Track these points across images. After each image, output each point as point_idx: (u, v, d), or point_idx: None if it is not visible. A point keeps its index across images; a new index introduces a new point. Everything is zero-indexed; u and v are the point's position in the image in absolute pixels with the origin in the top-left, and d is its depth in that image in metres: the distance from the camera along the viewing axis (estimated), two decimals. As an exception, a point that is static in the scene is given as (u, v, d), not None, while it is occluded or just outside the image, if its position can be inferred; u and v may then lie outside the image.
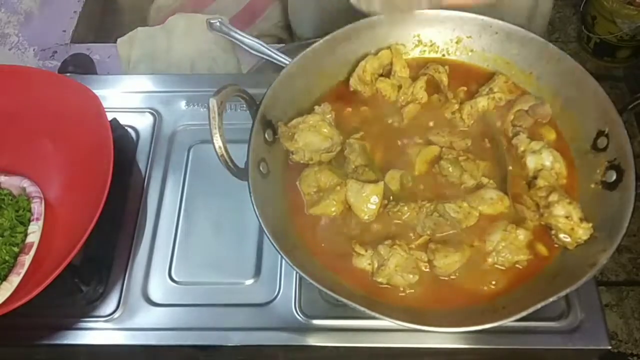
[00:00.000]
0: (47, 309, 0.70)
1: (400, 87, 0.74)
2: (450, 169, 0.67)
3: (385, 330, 0.66)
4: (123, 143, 0.81)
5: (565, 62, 0.70)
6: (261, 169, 0.66)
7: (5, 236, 0.71)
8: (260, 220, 0.60)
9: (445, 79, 0.74)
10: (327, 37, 0.72)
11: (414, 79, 0.75)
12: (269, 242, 0.59)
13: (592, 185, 0.66)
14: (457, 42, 0.77)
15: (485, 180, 0.67)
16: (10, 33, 1.09)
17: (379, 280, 0.62)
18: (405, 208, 0.65)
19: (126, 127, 0.83)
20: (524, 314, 0.55)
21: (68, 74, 0.91)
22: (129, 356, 0.72)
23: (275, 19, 1.24)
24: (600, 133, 0.66)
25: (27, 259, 0.69)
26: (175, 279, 0.72)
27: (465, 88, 0.75)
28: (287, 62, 0.78)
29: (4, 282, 0.66)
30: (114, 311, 0.70)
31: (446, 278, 0.63)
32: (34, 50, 1.06)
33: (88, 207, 0.67)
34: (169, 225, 0.76)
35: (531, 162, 0.68)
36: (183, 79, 0.90)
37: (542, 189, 0.65)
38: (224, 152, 0.61)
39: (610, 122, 0.65)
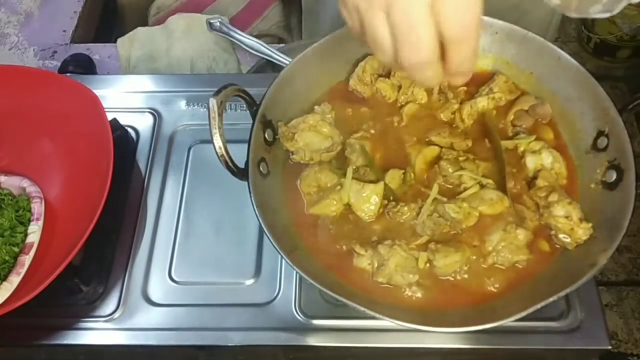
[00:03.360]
0: (47, 309, 0.70)
1: (400, 87, 0.74)
2: (450, 169, 0.67)
3: (385, 330, 0.66)
4: (123, 143, 0.81)
5: (565, 62, 0.70)
6: (261, 169, 0.66)
7: (5, 236, 0.71)
8: (260, 220, 0.60)
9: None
10: (327, 37, 0.72)
11: (414, 79, 0.75)
12: (269, 242, 0.59)
13: (592, 185, 0.66)
14: (457, 42, 0.77)
15: (485, 180, 0.67)
16: (10, 33, 1.09)
17: (379, 280, 0.62)
18: (405, 208, 0.65)
19: (126, 127, 0.83)
20: (523, 314, 0.55)
21: (68, 74, 0.91)
22: (129, 356, 0.72)
23: (275, 19, 1.24)
24: (600, 133, 0.66)
25: (27, 259, 0.69)
26: (175, 279, 0.72)
27: (465, 88, 0.75)
28: (287, 62, 0.78)
29: (4, 282, 0.66)
30: (114, 311, 0.70)
31: (446, 278, 0.63)
32: (34, 50, 1.06)
33: (88, 207, 0.67)
34: (169, 225, 0.76)
35: (531, 162, 0.68)
36: (183, 79, 0.90)
37: (542, 189, 0.65)
38: (224, 152, 0.61)
39: (610, 122, 0.65)
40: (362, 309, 0.56)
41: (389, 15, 0.44)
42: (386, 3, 0.43)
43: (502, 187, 0.66)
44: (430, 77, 0.47)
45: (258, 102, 0.68)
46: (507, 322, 0.55)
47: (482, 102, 0.72)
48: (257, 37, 1.01)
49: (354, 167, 0.68)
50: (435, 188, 0.65)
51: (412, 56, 0.45)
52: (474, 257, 0.63)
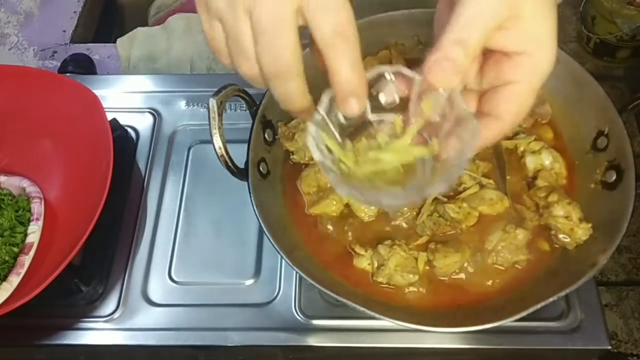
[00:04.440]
0: (47, 309, 0.70)
1: (400, 87, 0.74)
2: (450, 169, 0.67)
3: (385, 330, 0.66)
4: (123, 143, 0.81)
5: (564, 62, 0.70)
6: (261, 169, 0.66)
7: (5, 236, 0.71)
8: (260, 220, 0.60)
9: (445, 79, 0.74)
10: (327, 37, 0.72)
11: (414, 79, 0.75)
12: (269, 242, 0.59)
13: (592, 185, 0.66)
14: (457, 42, 0.76)
15: (485, 180, 0.67)
16: (10, 33, 1.09)
17: (379, 280, 0.62)
18: (405, 208, 0.65)
19: (126, 127, 0.83)
20: (524, 314, 0.55)
21: (68, 74, 0.91)
22: (128, 356, 0.72)
23: (275, 19, 1.24)
24: (600, 133, 0.66)
25: (27, 259, 0.69)
26: (175, 279, 0.72)
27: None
28: (287, 62, 0.77)
29: (4, 282, 0.66)
30: (114, 311, 0.70)
31: (446, 278, 0.63)
32: (33, 50, 1.06)
33: (88, 207, 0.67)
34: (169, 225, 0.76)
35: (530, 163, 0.68)
36: (183, 79, 0.90)
37: (541, 189, 0.65)
38: (224, 152, 0.61)
39: (610, 122, 0.65)
40: (362, 309, 0.56)
41: (252, 16, 0.40)
42: (250, 4, 0.39)
43: (502, 187, 0.66)
44: (293, 92, 0.42)
45: (258, 102, 0.68)
46: (507, 322, 0.55)
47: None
48: (257, 37, 1.00)
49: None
50: None
51: (273, 64, 0.41)
52: (473, 257, 0.63)
